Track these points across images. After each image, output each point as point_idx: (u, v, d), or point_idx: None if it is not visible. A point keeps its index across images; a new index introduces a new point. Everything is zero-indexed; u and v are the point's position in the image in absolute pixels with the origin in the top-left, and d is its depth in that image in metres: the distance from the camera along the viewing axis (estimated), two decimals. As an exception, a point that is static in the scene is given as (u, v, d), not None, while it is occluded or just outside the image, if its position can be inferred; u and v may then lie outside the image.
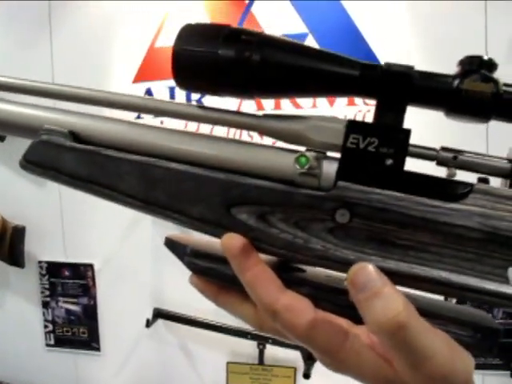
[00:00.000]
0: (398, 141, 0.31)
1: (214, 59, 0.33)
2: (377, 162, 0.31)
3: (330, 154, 0.33)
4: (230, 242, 0.31)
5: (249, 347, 1.66)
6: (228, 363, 1.68)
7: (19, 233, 1.74)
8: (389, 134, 0.31)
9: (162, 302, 1.69)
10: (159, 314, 1.67)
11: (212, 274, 0.35)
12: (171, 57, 0.35)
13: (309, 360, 1.51)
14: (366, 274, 0.28)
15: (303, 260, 0.33)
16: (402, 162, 0.31)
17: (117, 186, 0.37)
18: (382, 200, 0.31)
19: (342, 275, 0.31)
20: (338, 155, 0.32)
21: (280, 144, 0.34)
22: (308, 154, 0.32)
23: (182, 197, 0.35)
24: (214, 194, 0.34)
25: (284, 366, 1.65)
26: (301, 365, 1.53)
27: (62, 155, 0.39)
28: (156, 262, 1.69)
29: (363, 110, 1.52)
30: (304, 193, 0.32)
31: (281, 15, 1.57)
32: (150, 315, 1.68)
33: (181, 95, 1.60)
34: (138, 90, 1.63)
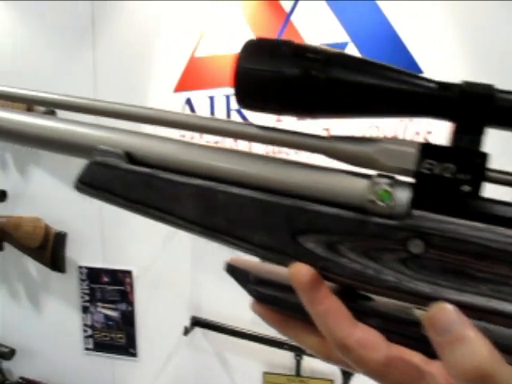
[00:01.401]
0: (476, 166, 0.29)
1: (278, 78, 0.32)
2: (453, 188, 0.29)
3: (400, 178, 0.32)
4: (298, 273, 0.30)
5: (286, 358, 1.65)
6: (264, 373, 1.67)
7: (61, 239, 1.78)
8: (466, 158, 0.29)
9: (199, 310, 1.70)
10: (197, 322, 1.67)
11: (276, 302, 0.34)
12: (234, 75, 0.34)
13: (346, 372, 1.49)
14: (447, 316, 0.27)
15: (374, 291, 0.31)
16: (480, 189, 0.29)
17: (175, 210, 0.36)
18: (460, 230, 0.29)
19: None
20: (407, 179, 0.31)
21: (336, 164, 0.33)
22: (380, 180, 0.31)
23: (244, 223, 0.34)
24: (279, 220, 0.33)
25: (321, 378, 1.63)
26: (338, 377, 1.51)
27: (117, 177, 0.38)
28: (194, 270, 1.70)
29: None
30: (375, 221, 0.30)
31: (321, 24, 1.56)
32: (187, 323, 1.68)
33: (220, 106, 1.60)
34: (179, 99, 1.65)
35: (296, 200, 0.32)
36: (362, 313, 0.31)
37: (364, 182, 0.31)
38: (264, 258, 0.35)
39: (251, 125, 0.37)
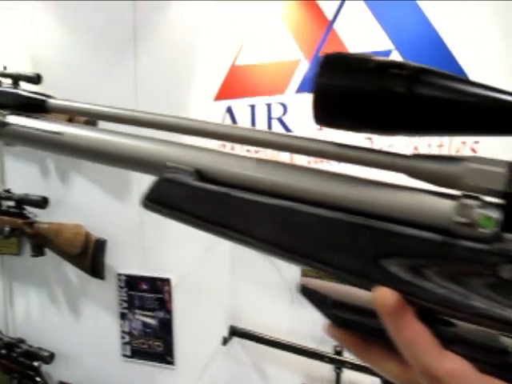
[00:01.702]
0: None
1: (360, 94, 0.31)
2: None
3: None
4: (382, 298, 0.29)
5: (325, 370, 1.62)
6: (303, 386, 1.65)
7: (101, 246, 1.80)
8: None
9: (237, 319, 1.69)
10: (235, 332, 1.66)
11: (355, 326, 0.33)
12: (313, 91, 0.33)
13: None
14: None
15: (461, 317, 0.30)
16: None
17: (251, 231, 0.35)
18: None
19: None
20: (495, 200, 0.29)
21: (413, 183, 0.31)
22: (467, 201, 0.29)
23: (325, 245, 0.33)
24: (362, 243, 0.31)
25: (362, 392, 1.60)
26: (379, 392, 1.47)
27: (188, 195, 0.38)
28: (233, 279, 1.69)
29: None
30: (464, 245, 0.29)
31: (364, 32, 1.53)
32: (225, 332, 1.67)
33: (261, 114, 1.60)
34: (219, 107, 1.65)
35: (379, 222, 0.31)
36: (448, 340, 0.30)
37: (450, 203, 0.30)
38: (346, 281, 0.33)
39: (324, 142, 0.36)
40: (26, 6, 2.09)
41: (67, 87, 1.79)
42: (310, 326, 1.62)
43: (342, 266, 0.32)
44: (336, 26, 1.56)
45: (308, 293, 0.37)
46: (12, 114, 0.50)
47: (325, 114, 0.33)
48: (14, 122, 0.49)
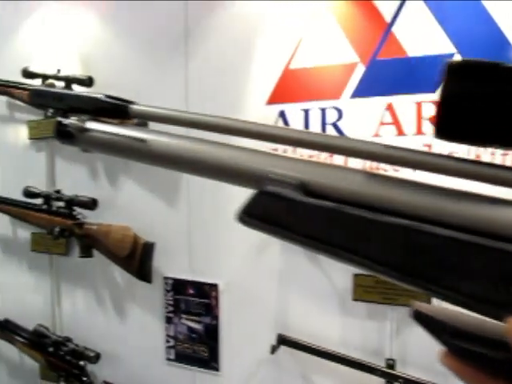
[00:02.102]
0: None
1: (497, 105, 0.28)
2: None
3: None
4: None
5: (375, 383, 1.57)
6: (353, 399, 1.60)
7: (149, 249, 1.79)
8: None
9: (286, 328, 1.65)
10: (283, 340, 1.63)
11: (477, 358, 0.29)
12: (440, 102, 0.30)
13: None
14: None
15: None
16: None
17: (364, 251, 0.32)
18: None
19: None
20: None
21: None
22: None
23: (451, 269, 0.29)
24: (493, 267, 0.28)
25: (414, 409, 1.53)
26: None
27: (293, 210, 0.35)
28: (282, 287, 1.66)
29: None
30: None
31: (425, 34, 1.48)
32: (272, 340, 1.64)
33: (315, 119, 1.56)
34: (272, 111, 1.62)
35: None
36: None
37: None
38: (473, 310, 0.30)
39: (425, 153, 0.33)
40: (77, 10, 2.11)
41: (118, 89, 1.79)
42: (361, 337, 1.57)
43: (469, 293, 0.29)
44: (394, 29, 1.51)
45: (422, 319, 0.34)
46: (91, 119, 0.48)
47: (452, 127, 0.30)
48: (94, 128, 0.47)
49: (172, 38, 1.84)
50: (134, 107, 0.47)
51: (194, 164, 0.43)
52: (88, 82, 1.92)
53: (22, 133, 2.27)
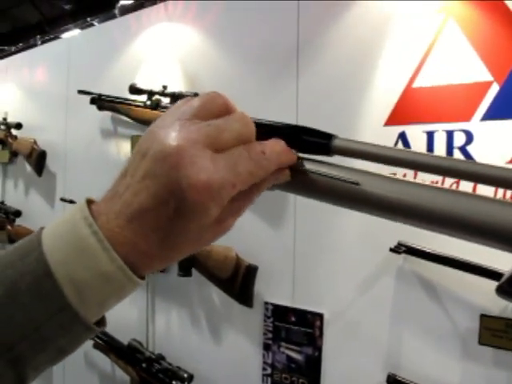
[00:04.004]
0: None
1: None
2: None
3: None
4: None
5: None
6: None
7: (252, 272, 1.73)
8: None
9: (397, 368, 1.52)
10: (395, 381, 1.49)
11: None
12: None
13: None
14: None
15: None
16: None
17: None
18: None
19: None
20: None
21: None
22: None
23: None
24: None
25: None
26: None
27: None
28: (395, 322, 1.53)
29: None
30: None
31: None
32: (380, 380, 1.52)
33: (440, 143, 1.43)
34: (391, 133, 1.51)
35: None
36: None
37: None
38: None
39: None
40: (183, 27, 2.12)
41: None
42: (483, 385, 1.41)
43: None
44: (536, 43, 1.36)
45: None
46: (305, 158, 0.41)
47: None
48: (309, 168, 0.40)
49: (283, 53, 1.78)
50: (338, 142, 0.40)
51: (428, 214, 0.34)
52: (194, 99, 1.91)
53: (124, 147, 2.31)
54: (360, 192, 0.37)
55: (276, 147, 0.36)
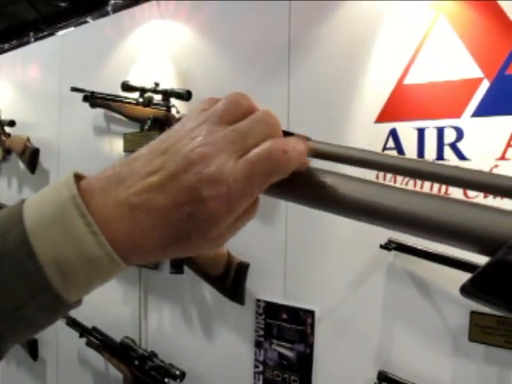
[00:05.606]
0: None
1: None
2: None
3: None
4: None
5: None
6: None
7: (243, 269, 1.73)
8: None
9: (388, 365, 1.52)
10: (385, 379, 1.50)
11: None
12: None
13: None
14: None
15: None
16: None
17: None
18: None
19: None
20: None
21: None
22: None
23: None
24: None
25: None
26: None
27: None
28: (386, 320, 1.53)
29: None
30: None
31: None
32: (371, 377, 1.52)
33: (431, 139, 1.43)
34: (382, 130, 1.51)
35: None
36: None
37: None
38: None
39: None
40: (176, 24, 2.12)
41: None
42: (474, 383, 1.41)
43: None
44: (527, 40, 1.36)
45: None
46: None
47: None
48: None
49: (274, 51, 1.78)
50: (310, 144, 0.39)
51: (403, 217, 0.34)
52: (186, 95, 1.91)
53: (117, 145, 2.30)
54: (336, 195, 0.36)
55: (298, 147, 0.35)
